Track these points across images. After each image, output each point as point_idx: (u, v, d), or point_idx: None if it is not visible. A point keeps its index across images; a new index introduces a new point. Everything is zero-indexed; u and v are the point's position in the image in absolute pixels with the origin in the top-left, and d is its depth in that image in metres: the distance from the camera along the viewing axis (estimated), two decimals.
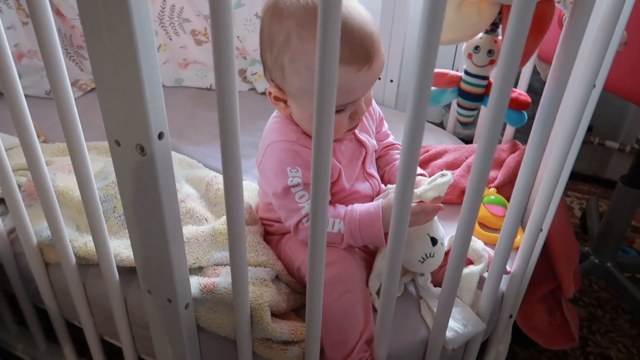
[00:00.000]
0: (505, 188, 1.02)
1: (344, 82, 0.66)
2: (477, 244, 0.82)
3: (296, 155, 0.73)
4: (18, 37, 1.34)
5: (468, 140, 1.28)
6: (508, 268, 0.84)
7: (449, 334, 0.73)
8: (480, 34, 0.65)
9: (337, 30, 0.41)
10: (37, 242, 0.82)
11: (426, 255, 0.73)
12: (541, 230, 0.82)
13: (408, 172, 0.52)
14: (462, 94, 0.57)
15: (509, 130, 1.15)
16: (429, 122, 1.37)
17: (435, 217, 0.78)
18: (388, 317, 0.66)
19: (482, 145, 0.52)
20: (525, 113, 0.55)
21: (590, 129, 1.77)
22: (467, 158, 1.07)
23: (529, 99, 0.54)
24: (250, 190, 0.91)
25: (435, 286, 0.78)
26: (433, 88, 0.59)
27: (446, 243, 0.78)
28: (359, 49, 0.66)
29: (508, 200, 0.69)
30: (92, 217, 0.70)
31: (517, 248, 0.82)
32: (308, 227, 0.70)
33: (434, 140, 1.23)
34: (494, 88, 0.50)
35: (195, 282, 0.71)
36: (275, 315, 0.73)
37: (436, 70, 0.57)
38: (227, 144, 0.51)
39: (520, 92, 0.55)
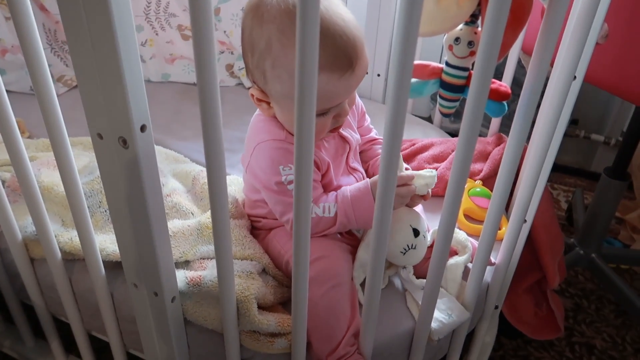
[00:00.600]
0: (490, 180, 1.03)
1: (326, 89, 0.66)
2: (459, 234, 0.83)
3: (287, 153, 0.73)
4: (1, 32, 1.32)
5: (455, 134, 1.29)
6: (492, 259, 0.85)
7: (434, 324, 0.73)
8: (460, 26, 0.66)
9: (316, 35, 0.42)
10: (22, 237, 0.81)
11: (408, 246, 0.73)
12: (525, 221, 0.83)
13: (390, 162, 0.52)
14: (444, 85, 0.57)
15: (495, 123, 1.16)
16: (416, 116, 1.37)
17: (419, 210, 0.78)
18: (373, 309, 0.66)
19: (463, 135, 0.53)
20: (505, 104, 0.56)
21: (575, 122, 1.80)
22: (453, 151, 1.08)
23: (508, 89, 0.55)
24: (237, 184, 0.91)
25: (418, 278, 0.79)
26: (415, 80, 0.59)
27: (429, 237, 0.79)
28: (341, 55, 0.65)
29: None
30: (77, 212, 0.70)
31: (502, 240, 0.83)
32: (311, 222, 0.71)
33: (421, 134, 1.23)
34: (474, 79, 0.51)
35: (182, 276, 0.71)
36: (262, 308, 0.73)
37: (418, 62, 0.57)
38: (209, 137, 0.51)
39: (501, 83, 0.55)
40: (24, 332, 0.98)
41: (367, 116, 0.90)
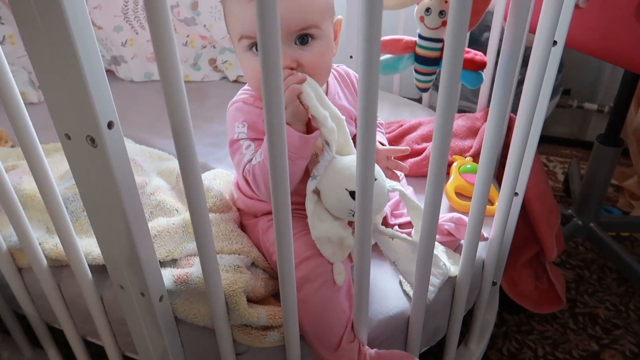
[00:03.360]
0: None
1: (236, 13, 0.67)
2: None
3: (249, 113, 0.75)
4: None
5: None
6: (485, 234, 0.84)
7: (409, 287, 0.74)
8: None
9: None
10: (6, 247, 0.80)
11: (352, 210, 0.67)
12: (516, 194, 0.81)
13: (367, 142, 0.51)
14: (419, 59, 0.55)
15: (483, 98, 1.14)
16: (406, 97, 1.36)
17: (352, 168, 0.65)
18: (364, 292, 0.65)
19: (440, 108, 0.52)
20: (482, 73, 0.54)
21: (568, 92, 1.77)
22: None
23: (484, 58, 0.53)
24: (222, 177, 0.90)
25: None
26: (389, 56, 0.57)
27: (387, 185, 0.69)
28: None
29: None
30: (57, 219, 0.69)
31: None
32: (251, 173, 0.70)
33: (408, 115, 1.22)
34: (447, 49, 0.49)
35: (169, 274, 0.70)
36: (253, 301, 0.72)
37: (391, 37, 0.56)
38: (178, 130, 0.50)
39: (476, 52, 0.54)
40: (20, 342, 0.97)
41: None
